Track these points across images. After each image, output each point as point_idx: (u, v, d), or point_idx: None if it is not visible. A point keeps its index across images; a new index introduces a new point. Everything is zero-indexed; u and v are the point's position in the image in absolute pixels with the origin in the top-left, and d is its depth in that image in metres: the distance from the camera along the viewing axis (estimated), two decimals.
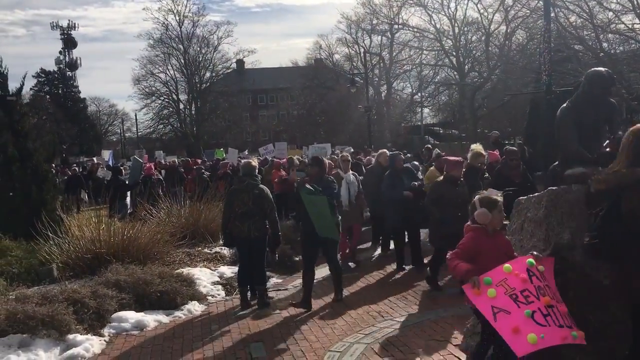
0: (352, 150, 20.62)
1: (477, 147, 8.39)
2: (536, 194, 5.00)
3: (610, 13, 21.25)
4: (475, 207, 4.26)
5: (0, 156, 10.29)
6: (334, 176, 8.80)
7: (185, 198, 11.95)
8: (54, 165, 20.74)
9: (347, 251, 9.57)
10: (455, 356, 5.30)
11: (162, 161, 24.59)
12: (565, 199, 4.64)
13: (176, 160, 22.48)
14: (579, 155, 4.76)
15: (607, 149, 4.82)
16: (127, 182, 14.73)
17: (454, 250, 4.21)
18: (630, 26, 20.88)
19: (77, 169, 22.40)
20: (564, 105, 5.00)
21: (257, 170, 7.71)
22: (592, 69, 5.04)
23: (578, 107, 4.87)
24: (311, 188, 7.06)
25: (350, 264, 9.29)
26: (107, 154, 29.25)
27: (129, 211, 13.33)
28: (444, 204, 7.31)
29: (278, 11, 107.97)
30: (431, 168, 10.26)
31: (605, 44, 21.83)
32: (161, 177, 16.74)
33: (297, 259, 9.95)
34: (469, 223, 4.33)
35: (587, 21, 21.24)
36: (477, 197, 4.33)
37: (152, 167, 17.43)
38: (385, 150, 10.85)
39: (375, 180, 9.54)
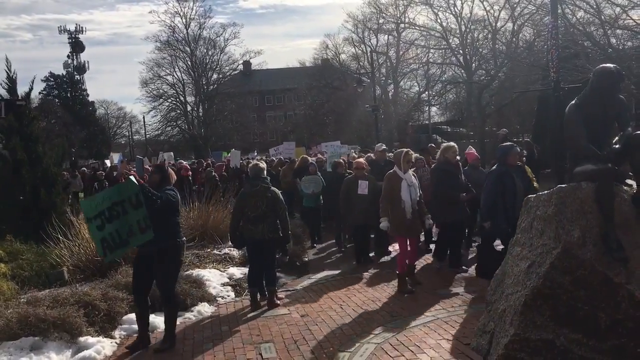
0: (359, 148, 20.52)
1: None
2: (545, 191, 4.98)
3: (618, 8, 21.08)
4: None
5: (10, 160, 10.36)
6: (391, 176, 7.82)
7: (194, 200, 11.96)
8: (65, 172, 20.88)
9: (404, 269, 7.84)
10: (467, 355, 5.28)
11: (170, 162, 24.54)
12: (576, 196, 4.62)
13: (184, 162, 22.55)
14: (588, 152, 4.73)
15: (617, 146, 4.79)
16: None
17: None
18: (638, 21, 20.70)
19: (86, 170, 22.42)
20: (573, 102, 4.97)
21: (265, 172, 7.70)
22: (601, 65, 5.00)
23: (587, 103, 4.84)
24: (134, 182, 5.69)
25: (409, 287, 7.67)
26: (116, 157, 29.36)
27: None
28: None
29: (282, 12, 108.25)
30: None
31: (613, 40, 21.65)
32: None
33: (306, 259, 9.99)
34: None
35: (594, 17, 21.08)
36: None
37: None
38: (452, 143, 8.76)
39: (445, 179, 8.20)
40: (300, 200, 12.14)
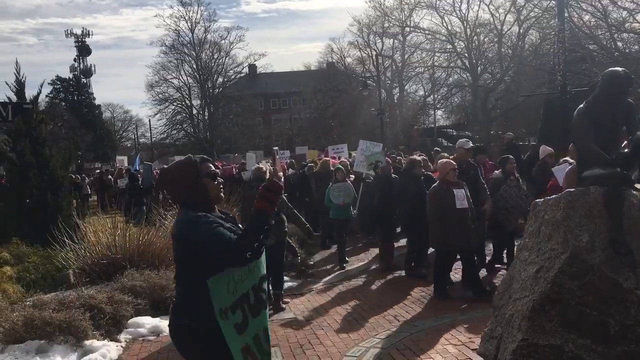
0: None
1: None
2: (553, 196, 4.95)
3: (625, 12, 21.03)
4: None
5: (17, 163, 10.40)
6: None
7: None
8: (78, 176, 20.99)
9: None
10: None
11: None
12: (584, 200, 4.58)
13: None
14: (596, 157, 4.69)
15: (626, 150, 4.75)
16: (142, 187, 14.86)
17: None
18: None
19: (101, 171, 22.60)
20: (581, 106, 4.93)
21: (267, 176, 7.71)
22: (609, 69, 4.96)
23: (595, 107, 4.81)
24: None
25: None
26: (125, 160, 29.46)
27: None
28: None
29: (285, 16, 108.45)
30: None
31: (619, 44, 21.60)
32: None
33: (312, 263, 9.96)
34: None
35: (601, 20, 21.03)
36: None
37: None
38: None
39: None
40: (327, 208, 10.19)
